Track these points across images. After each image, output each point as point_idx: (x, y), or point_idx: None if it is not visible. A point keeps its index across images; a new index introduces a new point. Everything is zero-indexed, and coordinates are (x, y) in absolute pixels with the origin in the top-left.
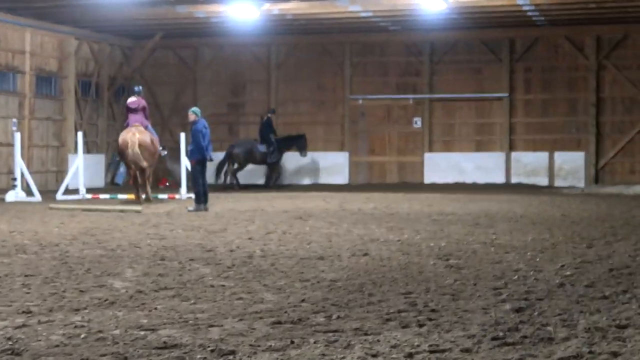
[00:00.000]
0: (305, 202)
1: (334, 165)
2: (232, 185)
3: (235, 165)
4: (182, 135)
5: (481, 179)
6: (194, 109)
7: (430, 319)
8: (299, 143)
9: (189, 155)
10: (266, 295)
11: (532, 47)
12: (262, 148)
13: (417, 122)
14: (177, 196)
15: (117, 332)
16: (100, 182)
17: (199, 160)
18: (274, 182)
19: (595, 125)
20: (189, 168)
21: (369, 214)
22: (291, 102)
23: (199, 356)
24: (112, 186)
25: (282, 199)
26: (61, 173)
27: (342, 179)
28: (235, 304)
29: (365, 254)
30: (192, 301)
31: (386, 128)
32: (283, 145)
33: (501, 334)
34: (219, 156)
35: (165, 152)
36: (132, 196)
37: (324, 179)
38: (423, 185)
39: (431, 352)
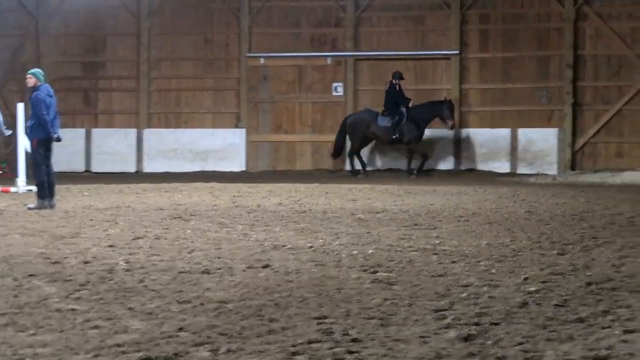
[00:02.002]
0: (186, 197)
1: (225, 146)
2: (353, 171)
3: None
4: (20, 107)
5: (371, 163)
6: (35, 70)
7: (350, 352)
8: (440, 111)
9: (29, 133)
10: (132, 323)
11: None
12: (382, 120)
13: (338, 89)
14: (12, 189)
15: None
16: None
17: (42, 140)
18: (419, 168)
19: (572, 94)
20: (29, 150)
21: (271, 212)
22: (169, 62)
23: None
24: None
25: (156, 193)
26: None
27: (237, 165)
28: (89, 335)
29: (266, 266)
30: (31, 331)
31: (297, 97)
32: (418, 115)
33: None
34: (69, 134)
35: (10, 132)
36: None
37: (211, 165)
38: (345, 174)
39: None
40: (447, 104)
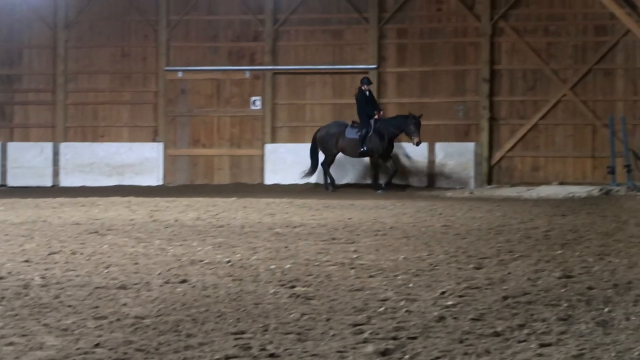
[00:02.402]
0: (103, 211)
1: (142, 160)
2: (326, 185)
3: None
4: None
5: (340, 178)
6: None
7: None
8: (405, 125)
9: None
10: (47, 339)
11: (407, 3)
12: (350, 132)
13: (256, 103)
14: None
15: None
16: None
17: None
18: (387, 180)
19: (489, 108)
20: None
21: (189, 226)
22: (86, 75)
23: None
24: None
25: (72, 207)
26: None
27: (154, 179)
28: (4, 352)
29: (183, 281)
30: None
31: (215, 110)
32: (384, 128)
33: None
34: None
35: None
36: None
37: (128, 179)
38: (263, 188)
39: None
40: (411, 119)
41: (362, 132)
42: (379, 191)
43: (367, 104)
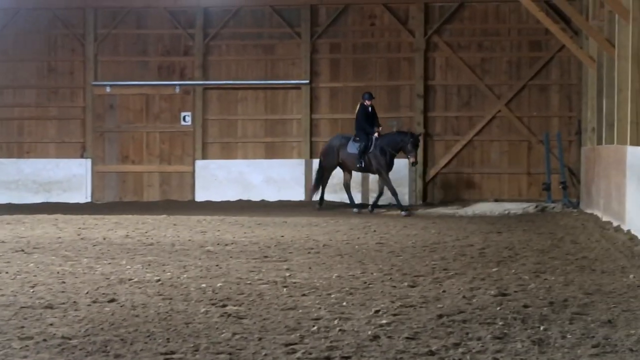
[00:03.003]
0: (29, 229)
1: (70, 177)
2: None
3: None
4: None
5: (272, 195)
6: None
7: None
8: (403, 143)
9: None
10: None
11: (340, 17)
12: (352, 147)
13: (186, 119)
14: None
15: None
16: None
17: None
18: (373, 203)
19: (423, 124)
20: None
21: (118, 244)
22: (11, 90)
23: None
24: None
25: None
26: None
27: (82, 196)
28: None
29: (112, 300)
30: None
31: (144, 126)
32: (386, 144)
33: None
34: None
35: None
36: None
37: (56, 197)
38: (194, 205)
39: None
40: (409, 137)
41: (361, 147)
42: (403, 213)
43: (366, 120)
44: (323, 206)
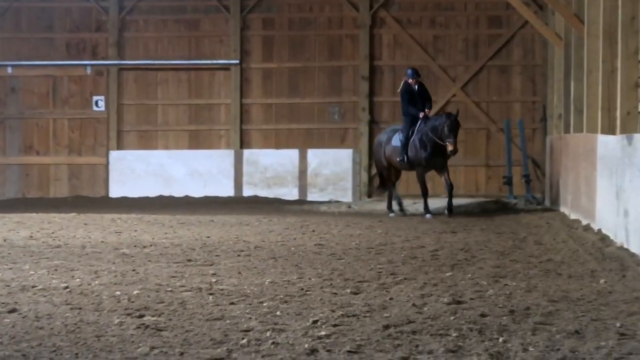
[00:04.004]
0: None
1: None
2: (390, 208)
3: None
4: None
5: (198, 190)
6: None
7: None
8: (436, 129)
9: None
10: None
11: None
12: (395, 140)
13: (99, 104)
14: None
15: None
16: None
17: None
18: (448, 201)
19: (369, 110)
20: None
21: (20, 247)
22: None
23: None
24: None
25: None
26: None
27: None
28: None
29: (13, 310)
30: None
31: (50, 112)
32: (426, 132)
33: None
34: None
35: None
36: None
37: None
38: (108, 201)
39: None
40: (445, 119)
41: (402, 137)
42: (427, 215)
43: (410, 102)
44: (400, 213)
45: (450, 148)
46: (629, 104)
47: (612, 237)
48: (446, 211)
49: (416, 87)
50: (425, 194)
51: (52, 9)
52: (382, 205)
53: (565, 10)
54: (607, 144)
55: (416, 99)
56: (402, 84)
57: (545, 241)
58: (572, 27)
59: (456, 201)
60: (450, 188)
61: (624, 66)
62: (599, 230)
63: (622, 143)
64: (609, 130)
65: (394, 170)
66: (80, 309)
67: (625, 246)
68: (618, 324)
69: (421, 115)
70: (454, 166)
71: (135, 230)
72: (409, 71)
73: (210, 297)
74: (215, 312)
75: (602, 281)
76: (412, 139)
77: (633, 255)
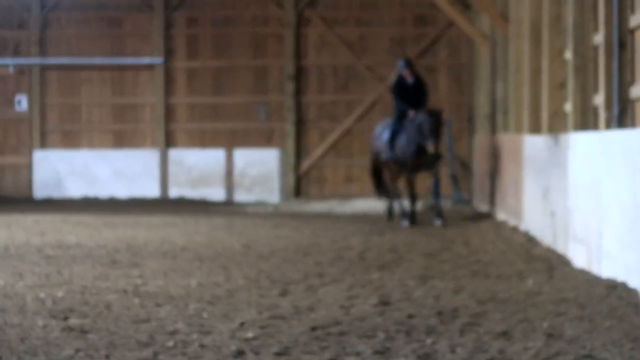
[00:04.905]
0: None
1: None
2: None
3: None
4: None
5: (123, 190)
6: None
7: None
8: (421, 126)
9: None
10: None
11: None
12: (386, 134)
13: (22, 103)
14: None
15: None
16: None
17: None
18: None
19: (295, 109)
20: None
21: None
22: None
23: None
24: None
25: None
26: None
27: None
28: None
29: None
30: None
31: None
32: (412, 128)
33: None
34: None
35: None
36: None
37: None
38: (32, 202)
39: None
40: (425, 118)
41: (389, 133)
42: (403, 223)
43: (402, 95)
44: (394, 217)
45: (430, 150)
46: (555, 104)
47: (539, 237)
48: (436, 221)
49: (411, 79)
50: (395, 199)
51: None
52: (308, 207)
53: (490, 9)
54: (534, 144)
55: (409, 93)
56: (395, 77)
57: (473, 242)
58: (497, 26)
59: (385, 202)
60: (435, 196)
61: (550, 66)
62: (526, 231)
63: (548, 143)
64: (535, 130)
65: (390, 168)
66: (3, 311)
67: (552, 247)
68: (546, 325)
69: (410, 113)
70: None
71: (60, 232)
72: (400, 63)
73: (136, 299)
74: (141, 314)
75: (529, 282)
76: (399, 136)
77: (560, 255)
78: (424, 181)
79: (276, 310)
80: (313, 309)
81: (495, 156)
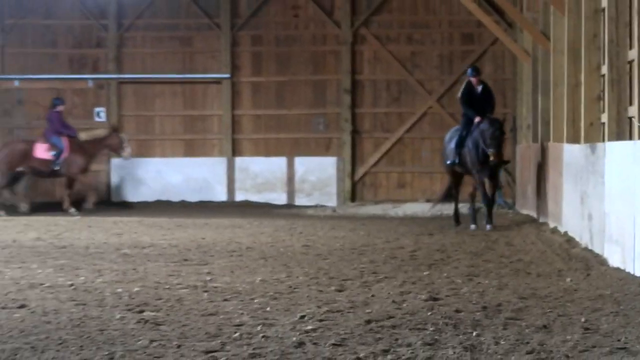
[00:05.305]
0: None
1: None
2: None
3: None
4: None
5: (193, 195)
6: None
7: None
8: (484, 134)
9: None
10: None
11: (262, 8)
12: (454, 141)
13: (100, 114)
14: None
15: None
16: None
17: None
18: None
19: (351, 120)
20: None
21: (28, 247)
22: None
23: None
24: None
25: None
26: None
27: None
28: None
29: (22, 306)
30: None
31: None
32: (478, 135)
33: None
34: None
35: None
36: None
37: None
38: (111, 205)
39: None
40: (488, 126)
41: (457, 138)
42: (472, 227)
43: (470, 102)
44: (460, 223)
45: (490, 158)
46: (592, 115)
47: (577, 239)
48: (487, 225)
49: (480, 87)
50: (473, 203)
51: (56, 25)
52: (364, 210)
53: (532, 28)
54: (572, 153)
55: (476, 100)
56: (463, 85)
57: (515, 243)
58: (538, 44)
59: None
60: (488, 203)
61: (587, 80)
62: (565, 232)
63: (585, 152)
64: (574, 139)
65: (456, 173)
66: (84, 304)
67: (590, 247)
68: (583, 319)
69: (477, 119)
70: (431, 173)
71: (135, 232)
72: (469, 70)
73: (205, 294)
74: (209, 308)
75: (568, 280)
76: (466, 142)
77: (597, 255)
78: (466, 187)
79: (333, 304)
80: (367, 304)
81: (536, 164)
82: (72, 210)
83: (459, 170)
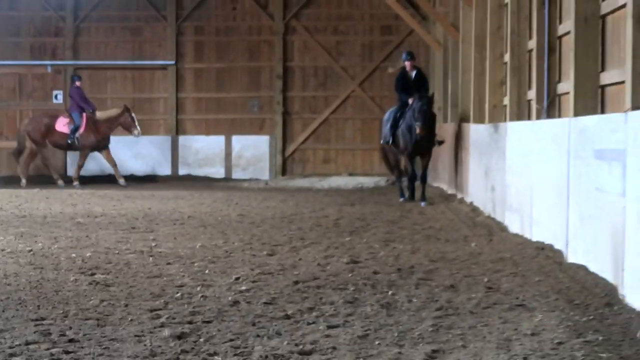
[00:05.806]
0: None
1: None
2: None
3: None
4: None
5: (141, 169)
6: None
7: (67, 352)
8: (414, 111)
9: None
10: None
11: (203, 2)
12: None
13: (58, 97)
14: None
15: None
16: None
17: None
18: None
19: (282, 103)
20: None
21: None
22: None
23: None
24: None
25: None
26: None
27: None
28: None
29: None
30: None
31: (17, 104)
32: (410, 115)
33: None
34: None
35: None
36: None
37: None
38: (64, 179)
39: None
40: (416, 103)
41: (390, 119)
42: (401, 199)
43: (403, 86)
44: (408, 198)
45: (417, 131)
46: (496, 98)
47: (481, 208)
48: (421, 202)
49: (413, 72)
50: (412, 178)
51: (19, 17)
52: (293, 183)
53: (444, 20)
54: (478, 132)
55: (410, 84)
56: (398, 71)
57: (427, 212)
58: (449, 35)
59: (355, 179)
60: (421, 179)
61: (492, 67)
62: (471, 203)
63: (489, 131)
64: (479, 120)
65: (392, 152)
66: (42, 268)
67: (492, 216)
68: (486, 280)
69: (410, 100)
70: (353, 150)
71: (89, 203)
72: (404, 54)
73: (151, 258)
74: (154, 271)
75: (473, 244)
76: (400, 123)
77: (498, 223)
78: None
79: (265, 267)
80: (295, 267)
81: (446, 142)
82: (76, 184)
83: (393, 149)
